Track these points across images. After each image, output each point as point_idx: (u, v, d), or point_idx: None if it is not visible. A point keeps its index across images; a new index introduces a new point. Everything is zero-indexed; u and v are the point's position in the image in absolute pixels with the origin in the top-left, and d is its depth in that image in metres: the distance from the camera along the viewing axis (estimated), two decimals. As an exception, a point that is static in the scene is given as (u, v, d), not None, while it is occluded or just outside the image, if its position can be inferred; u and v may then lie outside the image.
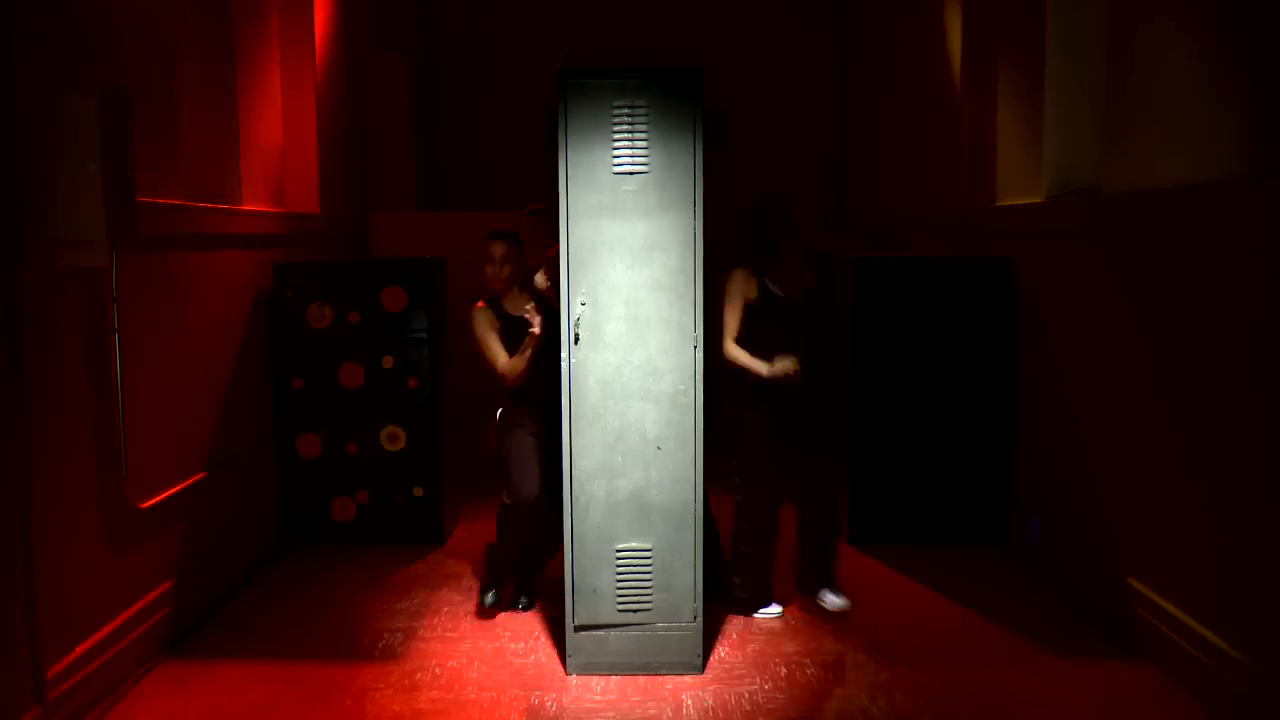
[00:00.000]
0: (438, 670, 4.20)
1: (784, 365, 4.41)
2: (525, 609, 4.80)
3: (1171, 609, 4.09)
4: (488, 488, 6.07)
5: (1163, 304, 4.18)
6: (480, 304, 4.71)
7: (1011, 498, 5.65)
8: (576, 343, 4.04)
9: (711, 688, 4.03)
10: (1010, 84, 5.77)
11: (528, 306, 4.55)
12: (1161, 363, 4.19)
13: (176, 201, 4.56)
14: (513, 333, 4.64)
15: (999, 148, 5.83)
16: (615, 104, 3.96)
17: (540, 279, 4.72)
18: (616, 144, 3.97)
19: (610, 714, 3.84)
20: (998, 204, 5.81)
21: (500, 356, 4.62)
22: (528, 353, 4.53)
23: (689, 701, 3.92)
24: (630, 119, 3.96)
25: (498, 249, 4.71)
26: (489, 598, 4.78)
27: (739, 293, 4.51)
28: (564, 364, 4.06)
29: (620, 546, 4.11)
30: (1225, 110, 3.87)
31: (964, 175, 6.34)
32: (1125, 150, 4.53)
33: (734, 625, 4.60)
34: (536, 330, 4.48)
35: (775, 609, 4.71)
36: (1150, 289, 4.28)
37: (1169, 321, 4.13)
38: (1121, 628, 4.44)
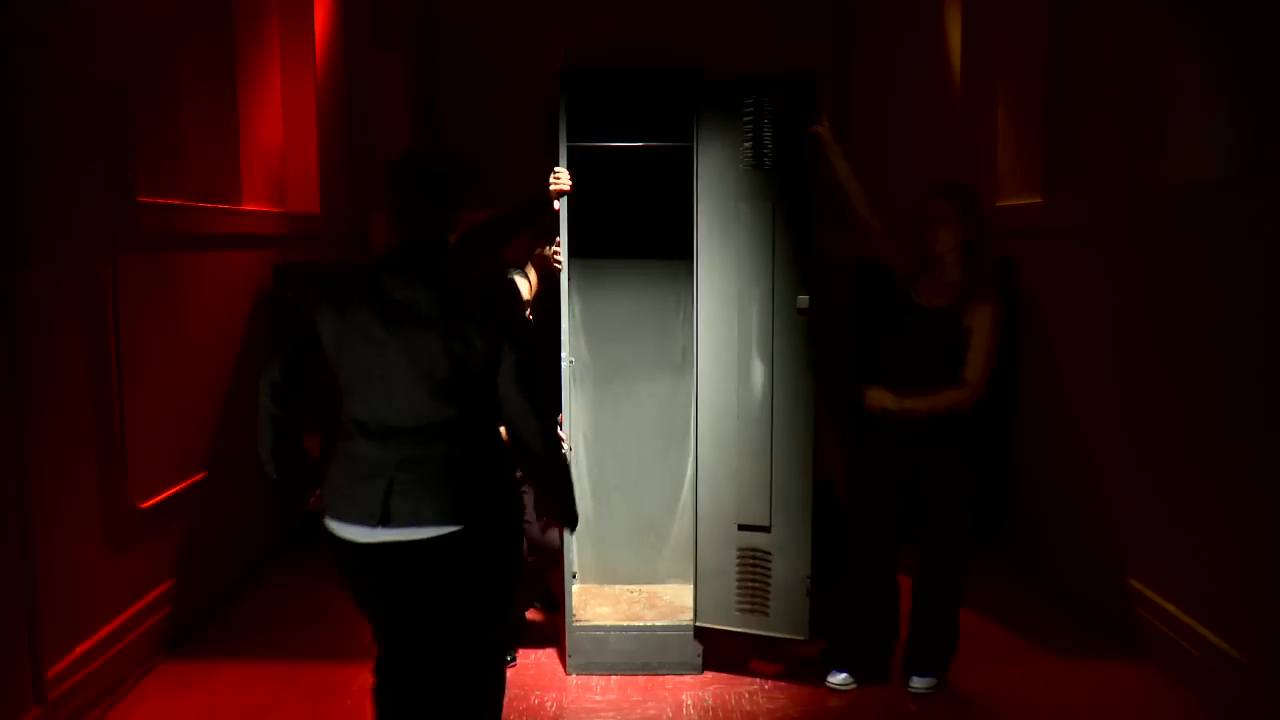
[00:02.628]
0: (438, 670, 4.19)
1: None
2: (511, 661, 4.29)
3: (1171, 609, 4.09)
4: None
5: (1163, 304, 4.18)
6: None
7: (1012, 498, 5.65)
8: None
9: (711, 688, 4.03)
10: (1010, 84, 5.77)
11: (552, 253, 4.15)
12: (1162, 362, 4.18)
13: (176, 201, 4.56)
14: None
15: (999, 148, 5.83)
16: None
17: None
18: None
19: (610, 714, 3.84)
20: (998, 204, 5.81)
21: None
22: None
23: (689, 701, 3.92)
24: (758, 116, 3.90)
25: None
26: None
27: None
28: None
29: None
30: (1225, 110, 3.87)
31: (964, 175, 6.33)
32: (1125, 150, 4.53)
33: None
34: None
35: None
36: (1150, 289, 4.28)
37: (1169, 321, 4.13)
38: (1121, 628, 4.44)
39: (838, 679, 4.00)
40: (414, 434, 2.61)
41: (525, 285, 4.18)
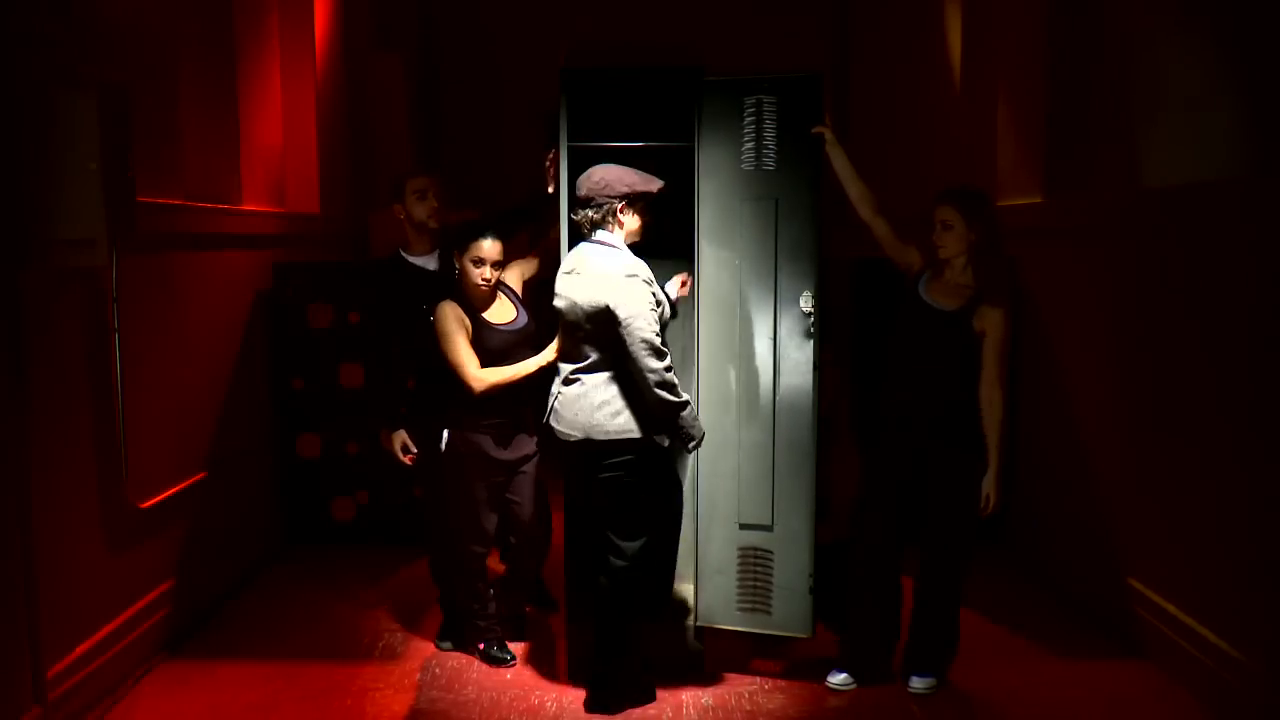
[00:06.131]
0: (438, 670, 4.20)
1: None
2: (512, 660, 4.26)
3: (1171, 609, 4.09)
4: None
5: (1163, 303, 4.19)
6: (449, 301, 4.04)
7: (1012, 498, 5.64)
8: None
9: (711, 687, 4.03)
10: (1010, 84, 5.77)
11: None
12: (1161, 362, 4.19)
13: (176, 201, 4.56)
14: (483, 340, 4.03)
15: (999, 148, 5.83)
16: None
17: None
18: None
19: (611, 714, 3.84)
20: (998, 204, 5.81)
21: (467, 361, 3.96)
22: (520, 374, 3.99)
23: (689, 701, 3.92)
24: (756, 118, 3.92)
25: (495, 250, 4.00)
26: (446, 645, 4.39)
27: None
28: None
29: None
30: (1224, 110, 3.87)
31: (964, 175, 6.33)
32: (1125, 150, 4.53)
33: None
34: (552, 355, 3.97)
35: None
36: (1150, 288, 4.28)
37: (1169, 321, 4.13)
38: (1121, 628, 4.44)
39: (838, 679, 3.99)
40: None
41: (514, 276, 4.24)
